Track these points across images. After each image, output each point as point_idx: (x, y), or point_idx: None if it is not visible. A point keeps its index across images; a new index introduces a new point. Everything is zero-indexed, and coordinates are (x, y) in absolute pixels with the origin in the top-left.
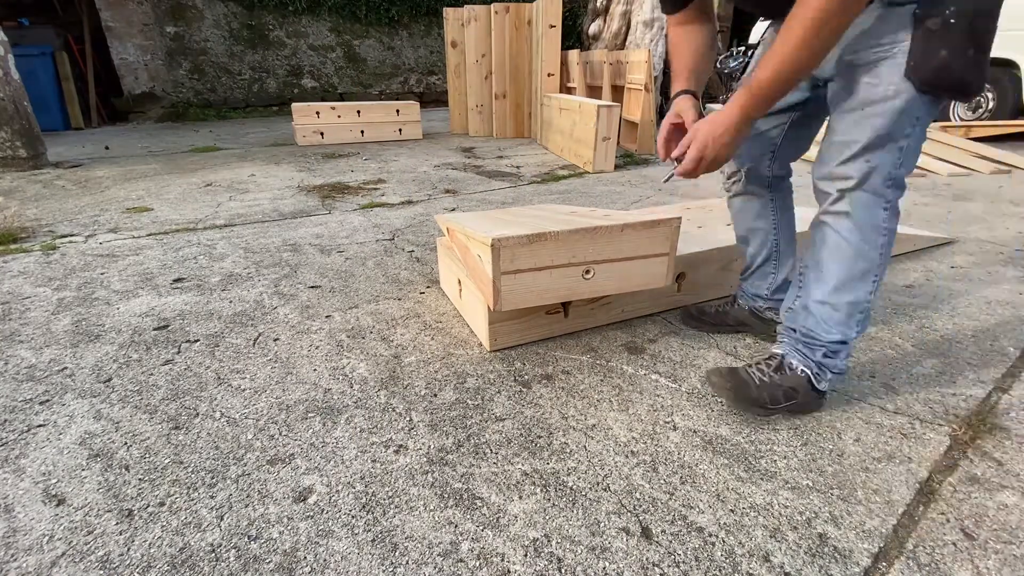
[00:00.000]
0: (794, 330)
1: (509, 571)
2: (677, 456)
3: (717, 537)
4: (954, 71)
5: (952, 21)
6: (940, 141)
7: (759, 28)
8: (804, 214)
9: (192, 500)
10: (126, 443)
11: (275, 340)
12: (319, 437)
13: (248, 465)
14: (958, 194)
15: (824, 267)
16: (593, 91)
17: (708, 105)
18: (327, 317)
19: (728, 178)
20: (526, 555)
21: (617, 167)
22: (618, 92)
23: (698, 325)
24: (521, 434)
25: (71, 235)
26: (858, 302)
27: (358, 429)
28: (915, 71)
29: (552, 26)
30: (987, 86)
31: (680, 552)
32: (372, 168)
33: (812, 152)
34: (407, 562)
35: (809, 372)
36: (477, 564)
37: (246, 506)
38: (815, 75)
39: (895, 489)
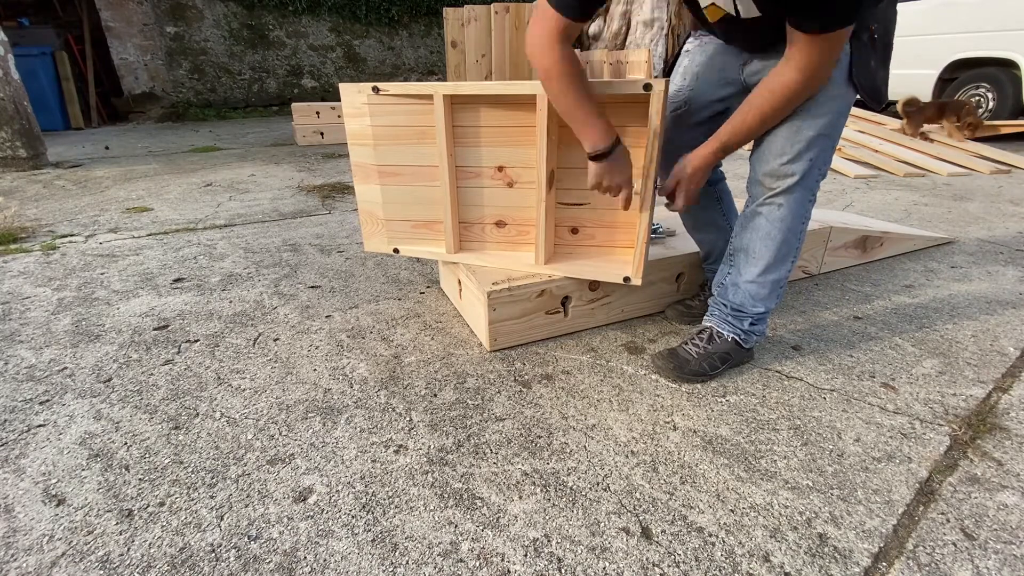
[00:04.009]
0: (725, 304)
1: (509, 571)
2: (677, 456)
3: (717, 537)
4: (875, 79)
5: (876, 37)
6: (940, 141)
7: None
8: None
9: (192, 500)
10: (126, 443)
11: (275, 340)
12: (319, 437)
13: (248, 465)
14: (958, 194)
15: (755, 252)
16: None
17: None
18: (327, 317)
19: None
20: (526, 555)
21: None
22: None
23: (691, 320)
24: (521, 434)
25: (71, 235)
26: (780, 280)
27: (358, 429)
28: (856, 76)
29: None
30: (986, 86)
31: (680, 552)
32: None
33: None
34: (407, 562)
35: (737, 337)
36: (477, 564)
37: (246, 506)
38: (746, 81)
39: (895, 489)
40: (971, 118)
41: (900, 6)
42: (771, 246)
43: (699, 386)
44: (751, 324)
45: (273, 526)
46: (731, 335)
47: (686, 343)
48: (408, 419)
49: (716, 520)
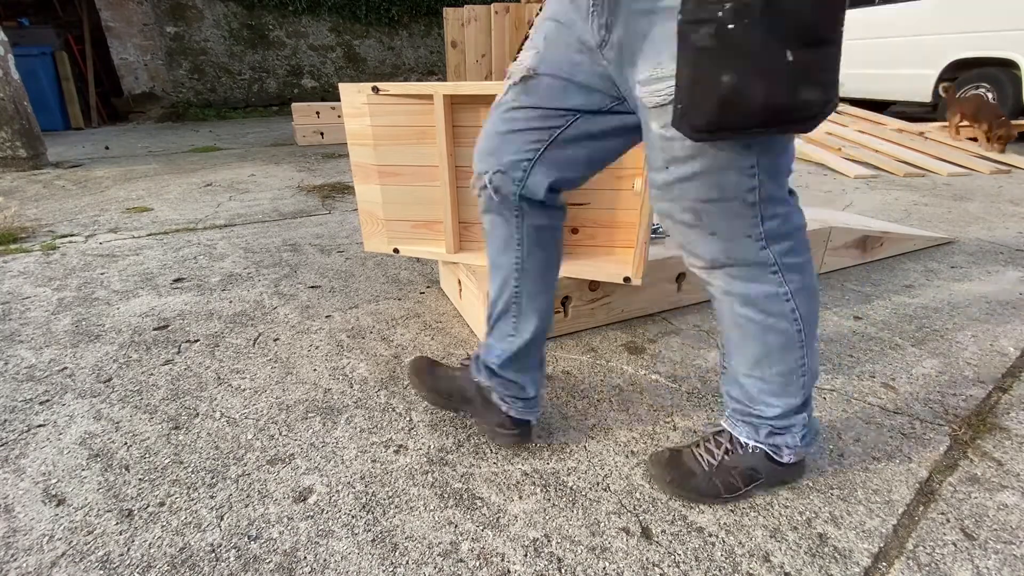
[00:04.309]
0: (730, 398)
1: (509, 571)
2: None
3: (717, 537)
4: (756, 98)
5: (731, 27)
6: (940, 141)
7: None
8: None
9: (192, 500)
10: (126, 443)
11: (275, 340)
12: (319, 437)
13: (248, 465)
14: (958, 194)
15: (732, 342)
16: None
17: None
18: (327, 317)
19: (474, 181)
20: (526, 555)
21: None
22: None
23: (432, 398)
24: None
25: (71, 235)
26: (790, 370)
27: (358, 429)
28: (685, 115)
29: None
30: (986, 86)
31: (680, 552)
32: None
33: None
34: (407, 562)
35: (764, 447)
36: (477, 564)
37: (246, 506)
38: (621, 88)
39: (895, 489)
40: (1002, 131)
41: (900, 6)
42: (749, 338)
43: (699, 386)
44: (771, 434)
45: (273, 526)
46: (754, 444)
47: (697, 445)
48: (408, 419)
49: (716, 520)
